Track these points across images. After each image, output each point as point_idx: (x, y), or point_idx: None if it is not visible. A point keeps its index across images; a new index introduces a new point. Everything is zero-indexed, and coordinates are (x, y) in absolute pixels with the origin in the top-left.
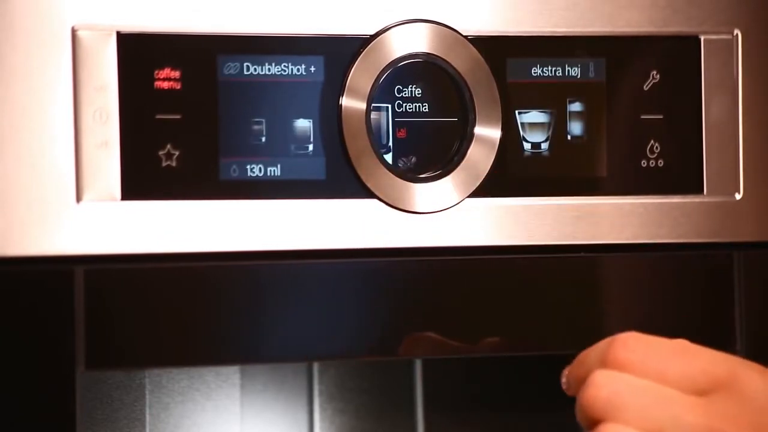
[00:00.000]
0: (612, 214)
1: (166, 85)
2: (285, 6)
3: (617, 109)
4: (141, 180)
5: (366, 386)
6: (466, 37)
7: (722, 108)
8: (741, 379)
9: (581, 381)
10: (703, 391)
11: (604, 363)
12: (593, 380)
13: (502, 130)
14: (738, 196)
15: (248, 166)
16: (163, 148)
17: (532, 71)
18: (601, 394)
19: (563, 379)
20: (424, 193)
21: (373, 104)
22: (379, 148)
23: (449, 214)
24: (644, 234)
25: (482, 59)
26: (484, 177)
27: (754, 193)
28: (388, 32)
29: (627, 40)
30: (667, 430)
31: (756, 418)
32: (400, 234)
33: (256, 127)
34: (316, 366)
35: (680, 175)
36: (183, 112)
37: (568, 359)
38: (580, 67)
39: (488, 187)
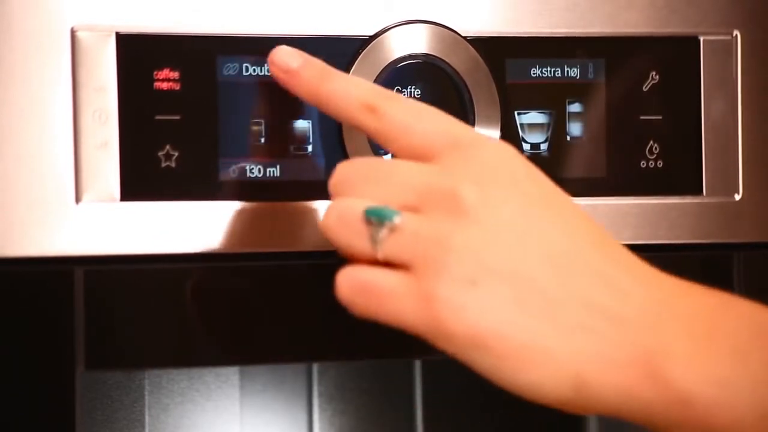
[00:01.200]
0: (611, 215)
1: (165, 85)
2: (285, 6)
3: (617, 109)
4: (140, 181)
5: (366, 387)
6: (465, 37)
7: (722, 108)
8: (473, 140)
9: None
10: (437, 155)
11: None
12: (334, 171)
13: (501, 130)
14: (737, 197)
15: (248, 167)
16: (163, 148)
17: (532, 72)
18: (333, 179)
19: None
20: None
21: None
22: (378, 149)
23: None
24: (643, 234)
25: (481, 60)
26: None
27: (754, 193)
28: (387, 33)
29: (626, 41)
30: (393, 195)
31: (483, 173)
32: None
33: (255, 127)
34: (315, 367)
35: (679, 175)
36: (182, 113)
37: None
38: (580, 67)
39: None
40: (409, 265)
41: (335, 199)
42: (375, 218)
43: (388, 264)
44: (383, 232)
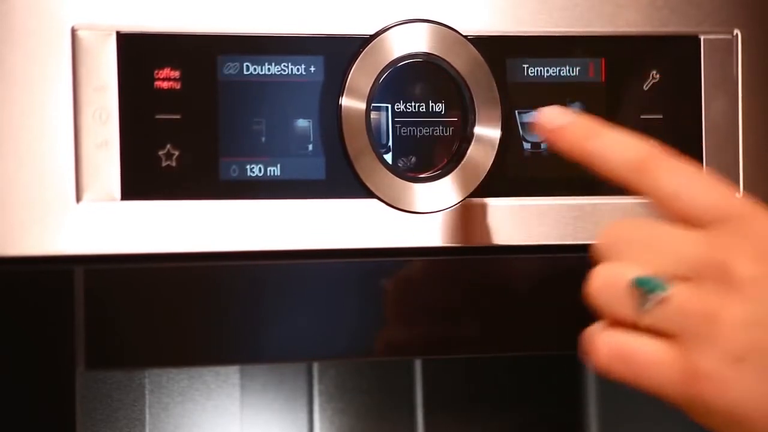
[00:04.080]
0: (612, 214)
1: (165, 85)
2: (285, 6)
3: (617, 109)
4: (141, 180)
5: (366, 386)
6: (466, 37)
7: (722, 107)
8: (745, 212)
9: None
10: (707, 224)
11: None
12: (602, 231)
13: (501, 130)
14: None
15: (248, 166)
16: (163, 148)
17: (532, 71)
18: (601, 240)
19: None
20: (423, 193)
21: (372, 104)
22: (378, 148)
23: (449, 214)
24: None
25: (482, 59)
26: (483, 177)
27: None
28: (387, 32)
29: (626, 40)
30: (666, 264)
31: (758, 248)
32: (400, 234)
33: (256, 127)
34: (316, 366)
35: None
36: (183, 112)
37: (566, 359)
38: (580, 67)
39: (488, 187)
40: (675, 336)
41: (602, 261)
42: (644, 288)
43: (649, 331)
44: (651, 303)
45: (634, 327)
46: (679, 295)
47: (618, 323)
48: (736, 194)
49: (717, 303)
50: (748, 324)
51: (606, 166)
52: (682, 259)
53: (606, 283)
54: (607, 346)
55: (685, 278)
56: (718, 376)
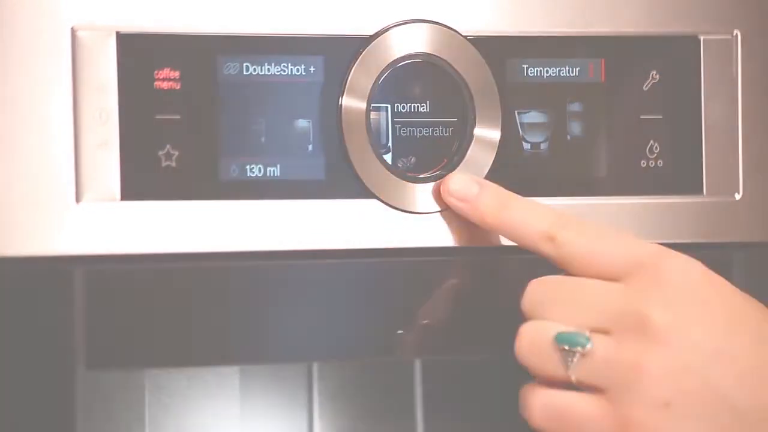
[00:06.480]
0: (611, 214)
1: (165, 85)
2: (285, 6)
3: (617, 109)
4: (141, 180)
5: (366, 386)
6: (466, 37)
7: (722, 108)
8: (656, 260)
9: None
10: (623, 276)
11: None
12: (525, 290)
13: (501, 130)
14: (738, 196)
15: (248, 167)
16: (163, 148)
17: (532, 71)
18: (525, 298)
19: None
20: (423, 193)
21: (372, 104)
22: (378, 148)
23: (449, 214)
24: (643, 234)
25: (482, 59)
26: (483, 177)
27: (754, 193)
28: (388, 32)
29: (626, 40)
30: (584, 317)
31: (671, 294)
32: (399, 234)
33: (255, 127)
34: (316, 366)
35: (680, 175)
36: (183, 113)
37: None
38: (580, 67)
39: None
40: (603, 389)
41: (527, 319)
42: (566, 344)
43: (580, 386)
44: (575, 358)
45: (565, 383)
46: (601, 348)
47: (550, 380)
48: (646, 243)
49: (638, 352)
50: (669, 370)
51: (517, 237)
52: (600, 310)
53: (531, 343)
54: (541, 405)
55: (606, 331)
56: (648, 423)
